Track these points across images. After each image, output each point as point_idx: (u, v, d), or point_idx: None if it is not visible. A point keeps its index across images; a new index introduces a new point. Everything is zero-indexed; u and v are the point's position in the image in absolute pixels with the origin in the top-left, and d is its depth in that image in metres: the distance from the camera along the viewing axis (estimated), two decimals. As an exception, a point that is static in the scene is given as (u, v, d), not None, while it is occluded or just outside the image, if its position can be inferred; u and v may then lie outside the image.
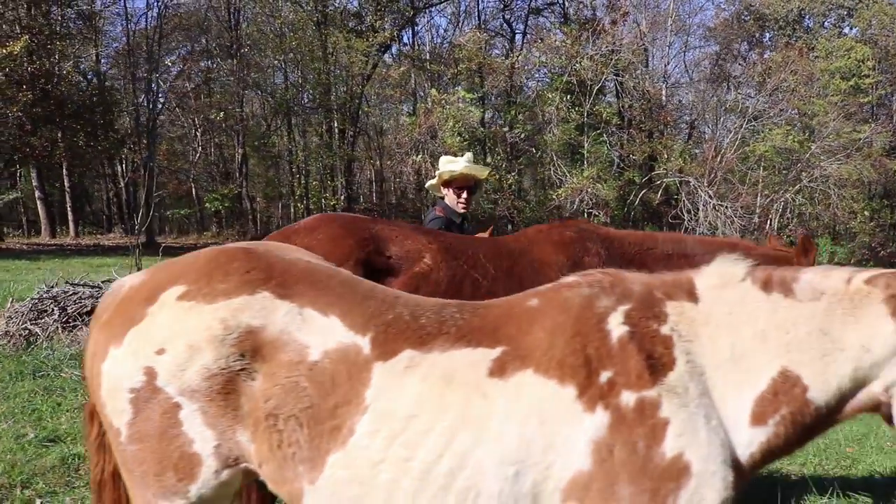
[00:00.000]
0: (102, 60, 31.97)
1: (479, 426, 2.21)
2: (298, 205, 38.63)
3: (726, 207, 33.68)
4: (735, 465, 2.23)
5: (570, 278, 2.56)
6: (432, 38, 43.97)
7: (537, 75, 37.55)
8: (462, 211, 5.59)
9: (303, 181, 39.37)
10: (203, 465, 2.40)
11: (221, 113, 34.64)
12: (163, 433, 2.38)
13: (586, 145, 35.15)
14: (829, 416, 2.35)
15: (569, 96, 37.11)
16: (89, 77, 31.35)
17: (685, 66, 47.22)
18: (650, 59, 40.96)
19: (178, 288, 2.46)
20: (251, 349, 2.37)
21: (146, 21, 35.14)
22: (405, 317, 2.45)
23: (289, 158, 39.24)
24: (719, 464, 2.16)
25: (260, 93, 40.76)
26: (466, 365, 2.32)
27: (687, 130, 42.64)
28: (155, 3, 32.57)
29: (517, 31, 40.34)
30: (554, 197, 33.43)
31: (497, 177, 32.95)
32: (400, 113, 36.21)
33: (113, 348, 2.45)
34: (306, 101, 39.02)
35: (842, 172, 37.31)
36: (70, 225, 32.63)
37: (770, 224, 39.89)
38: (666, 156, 35.98)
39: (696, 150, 40.61)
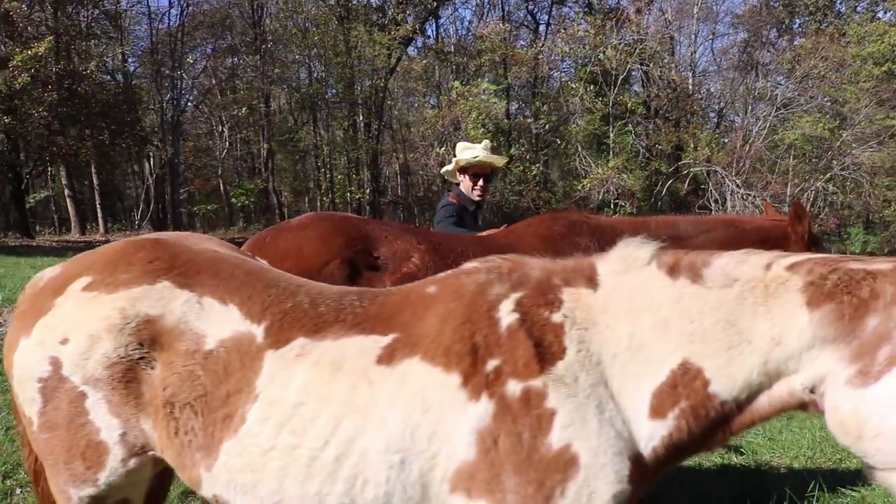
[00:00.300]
0: (128, 59, 32.38)
1: (364, 413, 2.19)
2: (324, 199, 38.82)
3: (754, 197, 33.20)
4: (635, 458, 2.13)
5: (471, 264, 2.48)
6: (457, 30, 43.93)
7: (562, 66, 37.28)
8: (477, 198, 5.57)
9: (328, 175, 39.54)
10: (110, 454, 2.42)
11: (244, 108, 34.87)
12: (70, 422, 2.41)
13: (612, 135, 34.86)
14: (740, 411, 2.20)
15: (593, 86, 36.88)
16: (116, 76, 31.79)
17: (713, 55, 46.67)
18: (677, 47, 40.49)
19: (85, 279, 2.50)
20: (149, 338, 2.40)
21: (168, 20, 35.49)
22: (304, 305, 2.45)
23: (314, 153, 39.44)
24: (611, 456, 2.07)
25: (285, 88, 40.98)
26: (356, 352, 2.30)
27: (715, 119, 42.02)
28: (177, 2, 32.84)
29: (541, 22, 40.13)
30: (579, 188, 33.17)
31: (521, 168, 32.85)
32: (424, 106, 36.14)
33: (23, 339, 2.50)
34: (330, 95, 39.10)
35: (874, 160, 36.64)
36: (99, 222, 33.11)
37: (801, 213, 39.30)
38: (693, 145, 35.55)
39: (724, 140, 40.05)
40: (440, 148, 31.14)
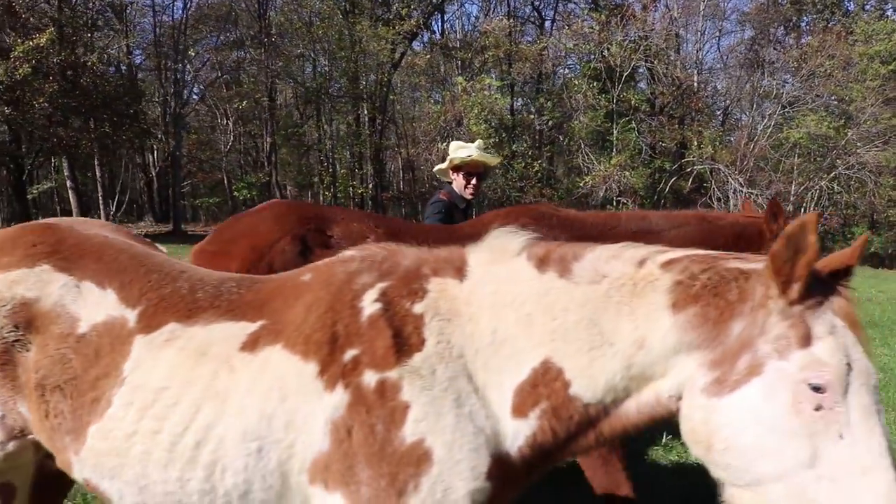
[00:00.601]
0: (132, 51, 32.37)
1: (223, 400, 2.16)
2: (326, 193, 38.85)
3: (757, 195, 33.05)
4: (497, 456, 2.05)
5: (348, 252, 2.44)
6: (463, 25, 43.83)
7: (567, 62, 37.17)
8: (470, 197, 5.58)
9: (331, 169, 39.57)
10: None
11: (244, 102, 34.90)
12: None
13: (615, 133, 34.75)
14: (607, 415, 2.08)
15: (597, 83, 36.77)
16: (121, 68, 31.84)
17: (719, 52, 46.47)
18: (682, 44, 40.29)
19: None
20: (25, 320, 2.41)
21: (172, 12, 35.50)
22: (182, 291, 2.44)
23: (317, 147, 39.47)
24: (467, 452, 1.99)
25: (291, 82, 40.97)
26: (222, 338, 2.27)
27: (720, 117, 41.81)
28: (183, -6, 32.86)
29: (546, 18, 39.98)
30: (581, 184, 33.11)
31: (523, 164, 32.82)
32: (428, 101, 36.11)
33: None
34: (333, 90, 39.09)
35: (879, 160, 36.43)
36: (101, 214, 33.19)
37: (805, 212, 39.05)
38: (696, 143, 35.41)
39: (729, 138, 39.89)
40: (442, 143, 31.10)
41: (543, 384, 2.04)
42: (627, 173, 33.57)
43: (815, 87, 37.18)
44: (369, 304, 2.17)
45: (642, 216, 4.33)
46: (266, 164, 39.51)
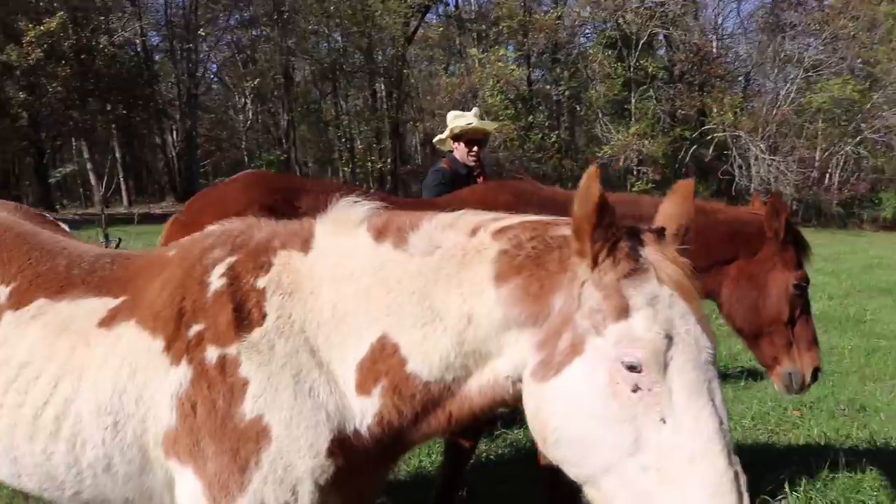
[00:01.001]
0: (147, 33, 32.45)
1: (79, 374, 2.17)
2: (345, 169, 38.91)
3: (779, 162, 32.58)
4: (343, 434, 1.97)
5: (212, 227, 2.37)
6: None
7: (584, 31, 36.67)
8: (472, 163, 5.57)
9: (349, 145, 39.60)
10: None
11: (256, 80, 34.94)
12: None
13: (633, 101, 34.35)
14: (453, 395, 1.96)
15: (613, 51, 36.31)
16: (132, 50, 31.88)
17: (738, 17, 45.53)
18: (703, 10, 39.56)
19: None
20: None
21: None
22: (59, 267, 2.46)
23: (334, 123, 39.49)
24: (304, 429, 1.92)
25: (308, 58, 40.91)
26: (84, 314, 2.28)
27: (742, 83, 41.02)
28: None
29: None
30: (598, 154, 32.82)
31: (540, 136, 32.62)
32: (444, 74, 35.86)
33: None
34: (347, 65, 39.01)
35: (906, 122, 35.58)
36: (123, 195, 33.58)
37: (830, 178, 38.53)
38: (716, 110, 34.85)
39: (751, 104, 39.17)
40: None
41: (381, 360, 1.96)
42: (647, 142, 33.22)
43: (838, 49, 36.36)
44: (216, 280, 2.13)
45: (632, 201, 3.85)
46: (284, 141, 39.58)
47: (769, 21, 41.53)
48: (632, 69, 34.34)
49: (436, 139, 5.90)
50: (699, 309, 1.69)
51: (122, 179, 34.02)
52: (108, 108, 25.67)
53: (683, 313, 1.64)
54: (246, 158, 43.15)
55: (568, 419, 1.65)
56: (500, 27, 35.18)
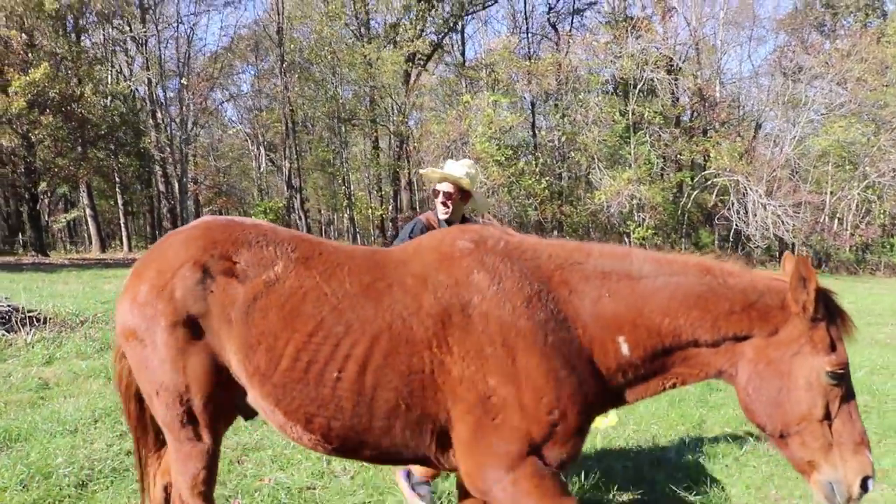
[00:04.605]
0: (151, 82, 33.42)
1: None
2: (343, 215, 39.25)
3: (776, 207, 31.90)
4: None
5: None
6: (487, 41, 43.89)
7: (579, 76, 36.64)
8: (443, 217, 5.17)
9: (347, 192, 40.03)
10: None
11: (234, 129, 35.62)
12: None
13: (631, 146, 34.10)
14: None
15: (610, 96, 36.29)
16: (121, 98, 32.79)
17: (747, 61, 45.18)
18: (703, 54, 39.34)
19: None
20: None
21: (177, 44, 36.30)
22: None
23: (331, 171, 40.03)
24: None
25: (314, 106, 41.66)
26: None
27: (752, 127, 40.45)
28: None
29: (561, 33, 39.63)
30: (588, 200, 32.62)
31: (530, 182, 32.53)
32: (436, 121, 36.14)
33: None
34: (345, 113, 39.62)
35: (913, 166, 34.66)
36: (123, 240, 34.27)
37: (840, 223, 37.64)
38: (713, 154, 34.40)
39: (756, 149, 38.59)
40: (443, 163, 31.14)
41: None
42: (643, 188, 32.91)
43: (842, 93, 35.79)
44: None
45: (623, 254, 3.23)
46: (287, 188, 40.16)
47: (773, 64, 41.27)
48: (630, 114, 34.21)
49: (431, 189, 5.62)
50: None
51: (122, 225, 34.73)
52: (87, 155, 26.19)
53: None
54: (253, 204, 43.98)
55: None
56: (495, 73, 35.45)
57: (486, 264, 3.06)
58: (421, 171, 5.43)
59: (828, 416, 2.79)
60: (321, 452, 3.24)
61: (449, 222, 5.19)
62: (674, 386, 3.05)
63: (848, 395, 2.83)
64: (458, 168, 5.19)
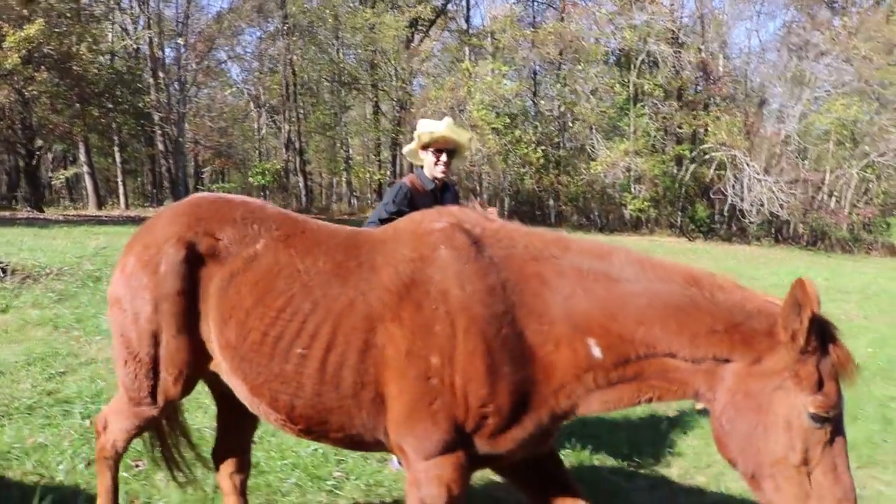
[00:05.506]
0: (152, 41, 33.36)
1: None
2: (341, 179, 39.35)
3: (772, 183, 31.81)
4: None
5: None
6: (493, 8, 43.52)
7: (583, 46, 36.36)
8: (441, 175, 5.16)
9: (346, 156, 40.10)
10: None
11: (233, 88, 35.59)
12: None
13: (631, 118, 33.97)
14: None
15: (613, 68, 36.10)
16: (120, 57, 32.73)
17: (749, 36, 44.65)
18: (708, 28, 38.92)
19: None
20: None
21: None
22: None
23: (330, 134, 40.05)
24: None
25: (317, 68, 41.52)
26: None
27: (742, 103, 40.11)
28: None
29: (568, 2, 39.20)
30: (583, 171, 32.62)
31: (525, 151, 32.52)
32: (432, 87, 36.03)
33: None
34: (346, 76, 39.53)
35: (918, 146, 34.39)
36: (120, 198, 34.50)
37: (839, 202, 37.49)
38: (712, 129, 34.22)
39: (763, 125, 38.35)
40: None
41: None
42: (640, 160, 32.87)
43: (848, 70, 35.47)
44: None
45: (604, 253, 2.99)
46: (285, 150, 40.23)
47: (782, 41, 40.81)
48: (632, 86, 34.03)
49: (405, 150, 5.52)
50: None
51: (120, 183, 34.92)
52: (86, 113, 26.26)
53: None
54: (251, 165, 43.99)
55: None
56: (497, 41, 35.27)
57: (454, 244, 2.98)
58: (419, 130, 5.20)
59: (806, 463, 2.44)
60: (289, 433, 3.24)
61: (443, 182, 5.21)
62: (650, 400, 2.83)
63: (835, 443, 2.46)
64: (443, 126, 5.10)
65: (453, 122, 5.26)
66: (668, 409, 6.52)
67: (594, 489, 4.28)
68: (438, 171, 5.13)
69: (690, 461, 5.55)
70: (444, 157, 5.10)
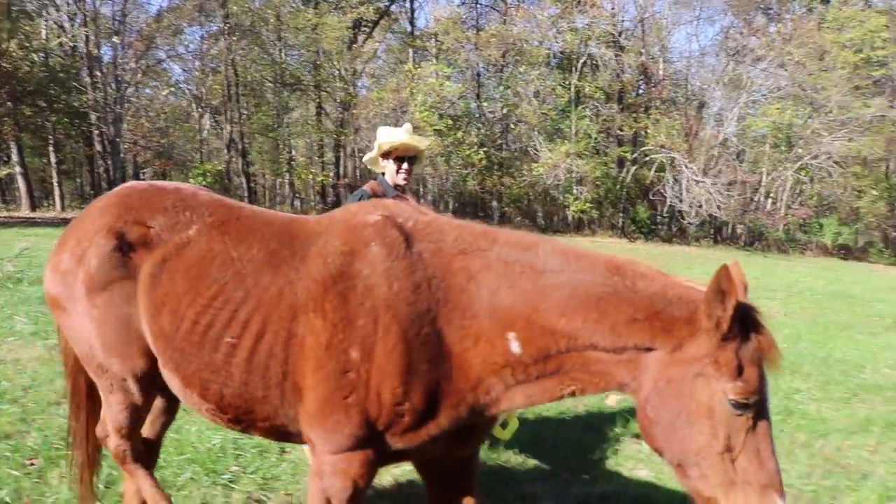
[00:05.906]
0: (88, 39, 32.67)
1: None
2: (283, 181, 39.03)
3: (709, 185, 32.56)
4: None
5: None
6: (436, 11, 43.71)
7: (522, 48, 36.73)
8: (403, 182, 5.18)
9: (289, 157, 39.79)
10: None
11: (172, 87, 35.09)
12: None
13: (572, 120, 34.41)
14: None
15: (556, 71, 36.51)
16: (54, 55, 31.98)
17: (689, 40, 45.61)
18: (649, 32, 39.65)
19: None
20: None
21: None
22: None
23: (272, 135, 39.72)
24: None
25: (260, 69, 41.10)
26: None
27: (694, 105, 41.00)
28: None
29: (510, 5, 39.58)
30: (525, 172, 32.92)
31: (467, 153, 32.70)
32: (377, 88, 36.04)
33: None
34: (288, 77, 39.23)
35: (849, 150, 35.54)
36: (56, 199, 33.67)
37: (774, 203, 38.52)
38: (652, 132, 34.87)
39: (703, 128, 39.17)
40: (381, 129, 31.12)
41: None
42: (581, 161, 33.30)
43: (783, 75, 36.44)
44: None
45: (530, 244, 2.96)
46: (227, 151, 39.75)
47: (719, 45, 41.82)
48: (573, 88, 34.49)
49: (365, 158, 5.43)
50: None
51: (56, 184, 34.10)
52: (14, 111, 25.57)
53: None
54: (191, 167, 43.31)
55: None
56: (439, 42, 35.40)
57: (386, 239, 2.94)
58: (379, 138, 5.16)
59: (730, 450, 2.42)
60: (219, 424, 3.22)
61: (403, 189, 5.19)
62: (573, 394, 2.76)
63: (758, 429, 2.43)
64: (404, 134, 5.11)
65: (412, 129, 5.28)
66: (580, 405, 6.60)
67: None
68: (401, 179, 5.14)
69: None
70: (405, 165, 5.11)
